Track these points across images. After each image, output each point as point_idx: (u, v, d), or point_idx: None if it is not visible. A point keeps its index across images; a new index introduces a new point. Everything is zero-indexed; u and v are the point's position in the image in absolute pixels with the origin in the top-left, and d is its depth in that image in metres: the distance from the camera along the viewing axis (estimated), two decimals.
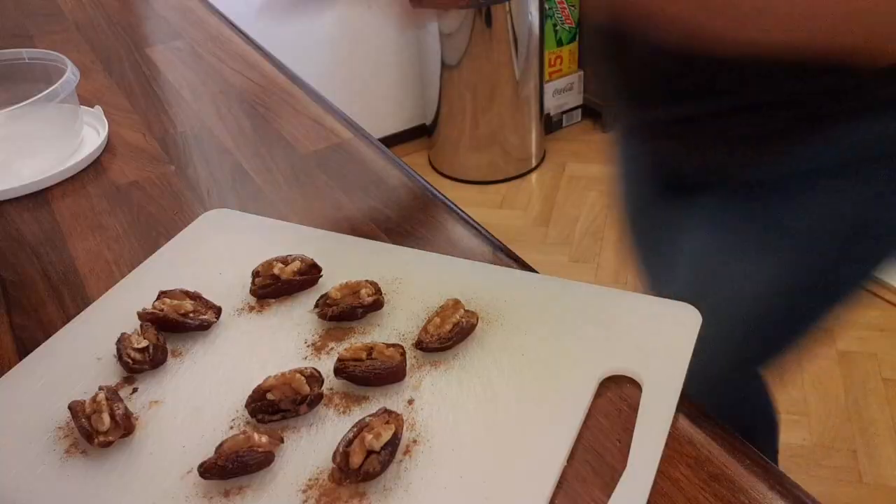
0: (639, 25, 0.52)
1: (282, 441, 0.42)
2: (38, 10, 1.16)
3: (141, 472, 0.41)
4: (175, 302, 0.51)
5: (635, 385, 0.45)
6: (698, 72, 0.54)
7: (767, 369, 0.80)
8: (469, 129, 2.46)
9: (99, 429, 0.42)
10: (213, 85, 0.91)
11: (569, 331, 0.49)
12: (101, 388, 0.45)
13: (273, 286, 0.53)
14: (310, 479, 0.40)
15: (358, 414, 0.44)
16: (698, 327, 0.48)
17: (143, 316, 0.50)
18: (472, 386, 0.45)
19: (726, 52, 0.50)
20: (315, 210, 0.66)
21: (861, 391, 1.69)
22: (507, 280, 0.54)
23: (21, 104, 0.69)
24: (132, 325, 0.50)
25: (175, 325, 0.50)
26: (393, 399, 0.45)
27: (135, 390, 0.47)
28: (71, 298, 0.57)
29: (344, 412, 0.44)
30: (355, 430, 0.41)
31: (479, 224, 0.63)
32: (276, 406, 0.44)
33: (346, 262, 0.56)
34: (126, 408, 0.44)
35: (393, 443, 0.40)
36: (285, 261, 0.54)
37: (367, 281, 0.52)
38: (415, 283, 0.54)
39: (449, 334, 0.47)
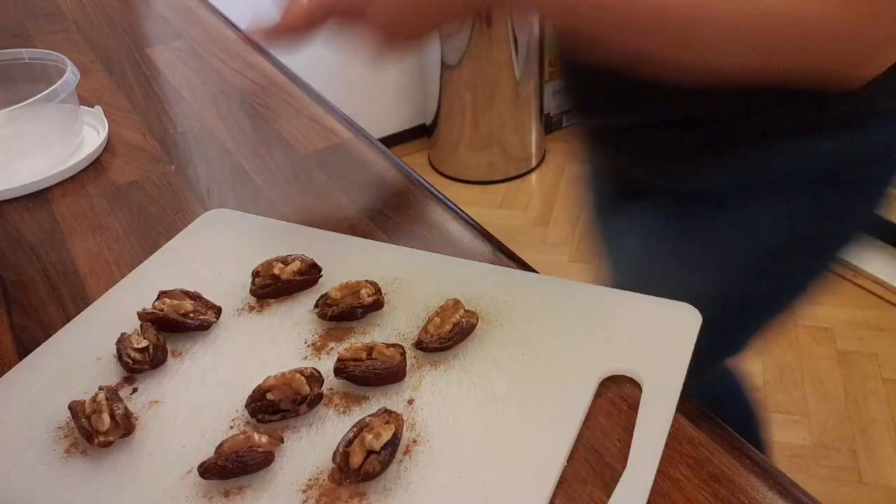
0: (578, 45, 0.53)
1: (282, 441, 0.42)
2: (38, 10, 1.16)
3: (141, 472, 0.41)
4: (175, 302, 0.51)
5: (635, 385, 0.45)
6: (624, 87, 0.55)
7: (718, 367, 0.81)
8: (469, 129, 2.46)
9: (99, 429, 0.42)
10: (213, 85, 0.91)
11: (569, 331, 0.49)
12: (101, 388, 0.45)
13: (273, 286, 0.53)
14: (310, 479, 0.40)
15: (358, 414, 0.44)
16: (698, 327, 0.48)
17: (143, 316, 0.50)
18: (472, 386, 0.45)
19: (669, 77, 0.51)
20: (315, 210, 0.66)
21: (861, 391, 1.69)
22: (507, 280, 0.54)
23: (21, 104, 0.69)
24: (132, 325, 0.50)
25: (175, 325, 0.50)
26: (393, 399, 0.45)
27: (135, 390, 0.47)
28: (71, 298, 0.57)
29: (344, 412, 0.44)
30: (355, 430, 0.41)
31: (479, 224, 0.63)
32: (276, 406, 0.44)
33: (346, 262, 0.56)
34: (126, 408, 0.44)
35: (393, 443, 0.40)
36: (285, 261, 0.54)
37: (367, 281, 0.52)
38: (415, 283, 0.54)
39: (449, 334, 0.47)
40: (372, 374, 0.45)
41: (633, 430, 0.42)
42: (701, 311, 0.48)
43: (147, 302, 0.52)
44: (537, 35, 2.35)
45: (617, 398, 0.45)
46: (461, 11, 0.53)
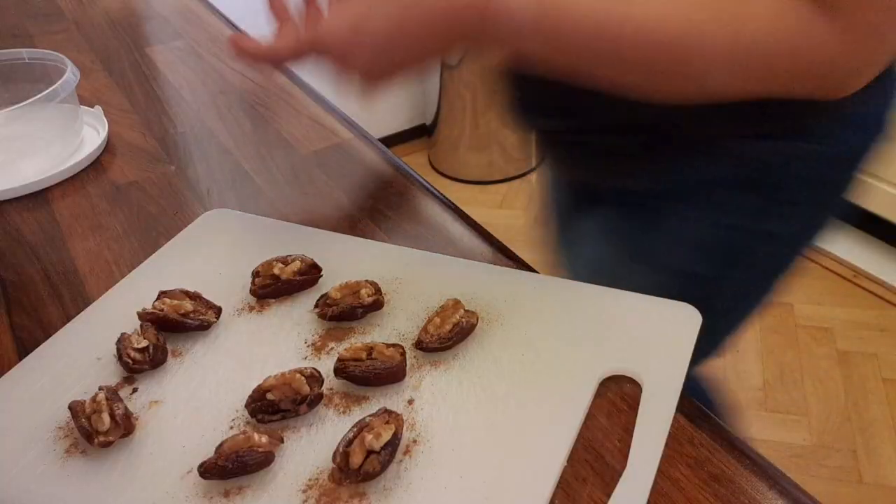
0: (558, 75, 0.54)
1: (282, 441, 0.42)
2: (38, 10, 1.16)
3: (141, 472, 0.41)
4: (175, 302, 0.51)
5: (635, 385, 0.45)
6: (565, 92, 0.55)
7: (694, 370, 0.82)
8: (469, 129, 2.46)
9: (99, 429, 0.42)
10: (213, 85, 0.91)
11: (569, 331, 0.49)
12: (101, 388, 0.45)
13: (273, 286, 0.53)
14: (310, 479, 0.40)
15: (358, 414, 0.44)
16: (698, 327, 0.48)
17: (143, 316, 0.50)
18: (472, 386, 0.45)
19: (655, 100, 0.52)
20: (315, 210, 0.66)
21: (861, 391, 1.69)
22: (507, 280, 0.54)
23: (21, 104, 0.69)
24: (132, 325, 0.50)
25: (175, 325, 0.50)
26: (393, 399, 0.45)
27: (135, 390, 0.47)
28: (71, 298, 0.57)
29: (344, 412, 0.44)
30: (355, 430, 0.41)
31: (478, 224, 0.63)
32: (276, 406, 0.44)
33: (346, 262, 0.56)
34: (126, 408, 0.44)
35: (393, 443, 0.40)
36: (285, 261, 0.54)
37: (367, 281, 0.52)
38: (415, 283, 0.54)
39: (449, 334, 0.47)
40: (372, 374, 0.45)
41: (633, 430, 0.42)
42: None
43: (147, 302, 0.52)
44: None
45: (617, 398, 0.45)
46: (445, 52, 0.54)
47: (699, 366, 0.82)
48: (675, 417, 0.43)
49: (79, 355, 0.50)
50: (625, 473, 0.40)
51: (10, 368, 0.49)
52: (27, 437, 0.44)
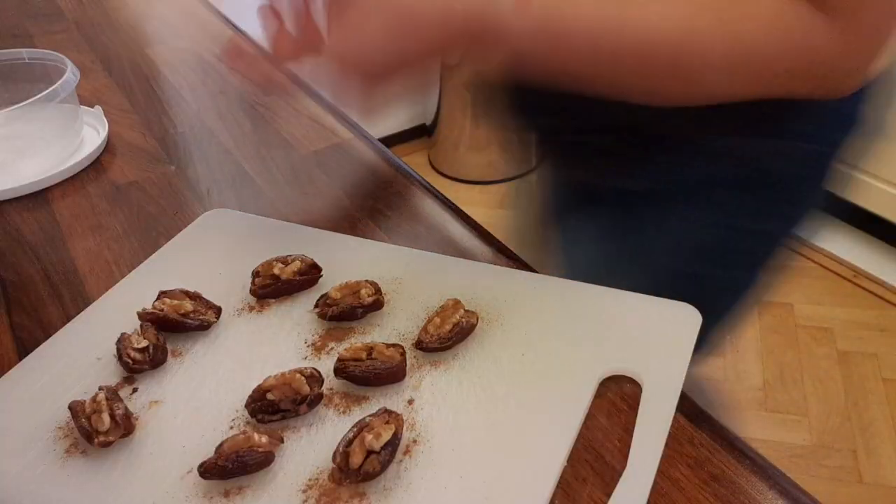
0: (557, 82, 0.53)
1: (282, 441, 0.42)
2: (38, 10, 1.16)
3: (141, 472, 0.41)
4: (175, 302, 0.51)
5: (635, 385, 0.45)
6: (554, 93, 0.54)
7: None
8: (469, 129, 2.46)
9: (99, 429, 0.42)
10: (213, 85, 0.91)
11: (569, 331, 0.49)
12: (101, 388, 0.45)
13: (273, 286, 0.53)
14: (310, 479, 0.40)
15: (358, 414, 0.44)
16: (698, 327, 0.48)
17: (143, 316, 0.50)
18: (472, 386, 0.45)
19: (655, 104, 0.53)
20: (315, 210, 0.66)
21: (861, 391, 1.69)
22: (507, 280, 0.54)
23: (21, 104, 0.69)
24: (132, 325, 0.50)
25: (175, 325, 0.50)
26: (393, 399, 0.45)
27: (135, 390, 0.47)
28: (71, 298, 0.57)
29: (344, 412, 0.44)
30: (355, 430, 0.41)
31: (479, 224, 0.63)
32: (276, 406, 0.44)
33: (346, 262, 0.56)
34: (126, 408, 0.44)
35: (393, 443, 0.40)
36: (285, 261, 0.54)
37: (367, 281, 0.52)
38: (415, 283, 0.54)
39: (449, 334, 0.47)
40: (372, 374, 0.45)
41: (633, 430, 0.42)
42: None
43: (147, 302, 0.52)
44: None
45: (617, 398, 0.45)
46: (439, 49, 0.51)
47: (697, 364, 0.82)
48: (675, 417, 0.43)
49: (79, 355, 0.50)
50: (625, 473, 0.40)
51: (10, 368, 0.49)
52: (27, 437, 0.44)
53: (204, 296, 0.52)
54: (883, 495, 1.47)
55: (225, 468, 0.40)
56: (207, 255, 0.59)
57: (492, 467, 0.40)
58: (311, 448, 0.42)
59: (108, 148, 0.77)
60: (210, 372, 0.48)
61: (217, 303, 0.52)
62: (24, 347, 0.52)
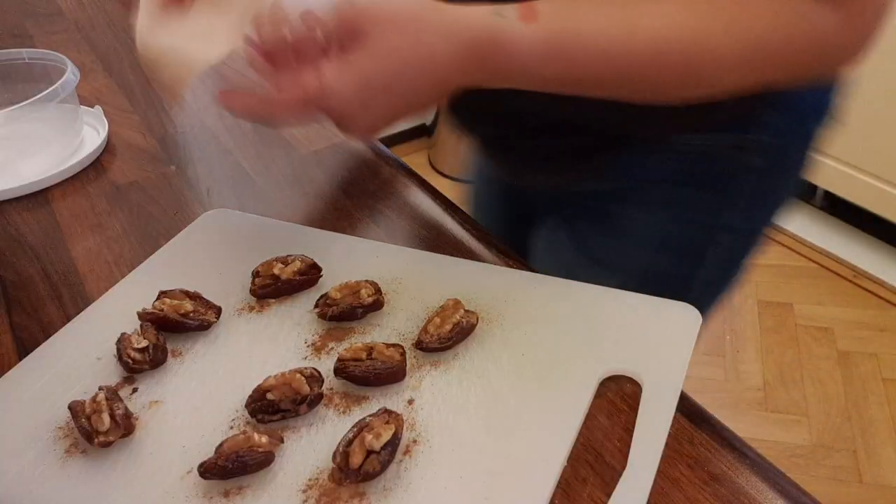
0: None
1: (282, 441, 0.42)
2: (38, 10, 1.16)
3: (141, 472, 0.41)
4: (175, 302, 0.51)
5: (635, 385, 0.45)
6: (502, 98, 0.53)
7: None
8: None
9: (99, 429, 0.42)
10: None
11: (569, 331, 0.49)
12: (101, 388, 0.45)
13: (273, 286, 0.53)
14: (310, 479, 0.40)
15: (358, 414, 0.44)
16: (698, 327, 0.48)
17: (143, 316, 0.50)
18: (472, 386, 0.45)
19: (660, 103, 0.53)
20: (315, 210, 0.66)
21: (861, 391, 1.69)
22: (507, 280, 0.54)
23: (21, 104, 0.69)
24: (132, 325, 0.50)
25: (175, 325, 0.50)
26: (393, 399, 0.45)
27: (135, 390, 0.47)
28: (71, 298, 0.57)
29: (344, 412, 0.44)
30: (355, 430, 0.41)
31: (479, 224, 0.63)
32: (276, 406, 0.44)
33: (346, 262, 0.56)
34: (126, 408, 0.44)
35: (393, 443, 0.40)
36: (285, 261, 0.54)
37: (367, 281, 0.52)
38: (415, 283, 0.54)
39: (449, 334, 0.47)
40: (372, 374, 0.45)
41: (633, 430, 0.42)
42: None
43: (147, 302, 0.52)
44: None
45: (617, 398, 0.45)
46: (454, 86, 0.49)
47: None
48: (675, 417, 0.43)
49: (79, 355, 0.50)
50: (625, 473, 0.40)
51: (10, 368, 0.49)
52: (27, 437, 0.44)
53: (204, 296, 0.52)
54: (883, 495, 1.47)
55: (225, 468, 0.40)
56: (207, 255, 0.59)
57: (492, 467, 0.40)
58: (311, 448, 0.42)
59: (108, 148, 0.77)
60: (210, 372, 0.48)
61: (217, 303, 0.52)
62: (24, 347, 0.52)
